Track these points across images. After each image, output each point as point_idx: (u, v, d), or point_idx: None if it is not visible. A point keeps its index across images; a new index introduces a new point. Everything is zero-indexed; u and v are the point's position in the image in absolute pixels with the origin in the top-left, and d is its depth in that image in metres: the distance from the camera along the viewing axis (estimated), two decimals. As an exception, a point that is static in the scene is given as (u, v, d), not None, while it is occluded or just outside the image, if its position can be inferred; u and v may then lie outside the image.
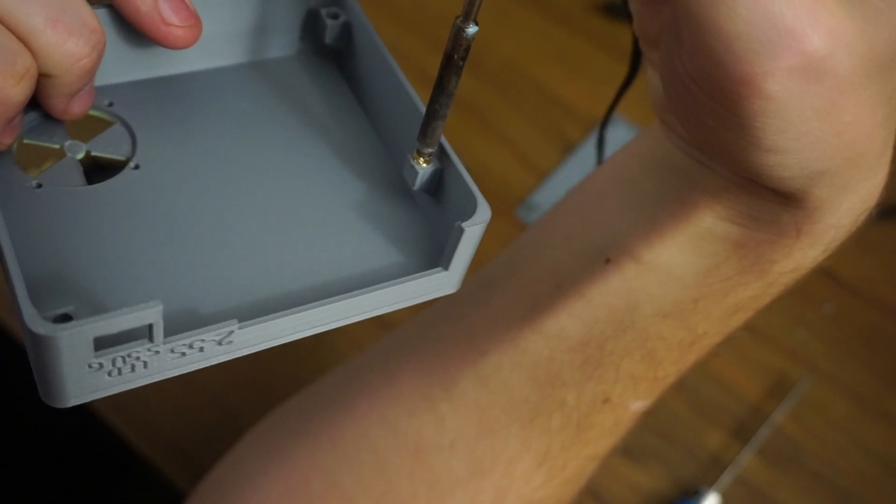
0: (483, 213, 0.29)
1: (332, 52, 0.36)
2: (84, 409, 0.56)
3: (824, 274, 0.67)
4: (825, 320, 0.65)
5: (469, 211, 0.29)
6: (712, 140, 0.27)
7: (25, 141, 0.30)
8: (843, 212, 0.30)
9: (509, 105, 0.74)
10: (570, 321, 0.35)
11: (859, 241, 0.73)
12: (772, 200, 0.30)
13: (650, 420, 0.59)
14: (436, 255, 0.31)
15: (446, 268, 0.30)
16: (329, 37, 0.35)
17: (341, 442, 0.38)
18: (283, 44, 0.36)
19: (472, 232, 0.29)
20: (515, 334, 0.35)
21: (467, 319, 0.37)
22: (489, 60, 0.77)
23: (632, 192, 0.34)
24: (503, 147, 0.71)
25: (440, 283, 0.30)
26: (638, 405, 0.36)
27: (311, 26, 0.36)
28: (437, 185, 0.31)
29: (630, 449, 0.58)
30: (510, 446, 0.36)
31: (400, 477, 0.37)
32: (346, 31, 0.35)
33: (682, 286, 0.33)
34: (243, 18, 0.34)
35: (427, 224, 0.32)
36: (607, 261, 0.34)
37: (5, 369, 0.64)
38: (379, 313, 0.30)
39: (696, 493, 0.56)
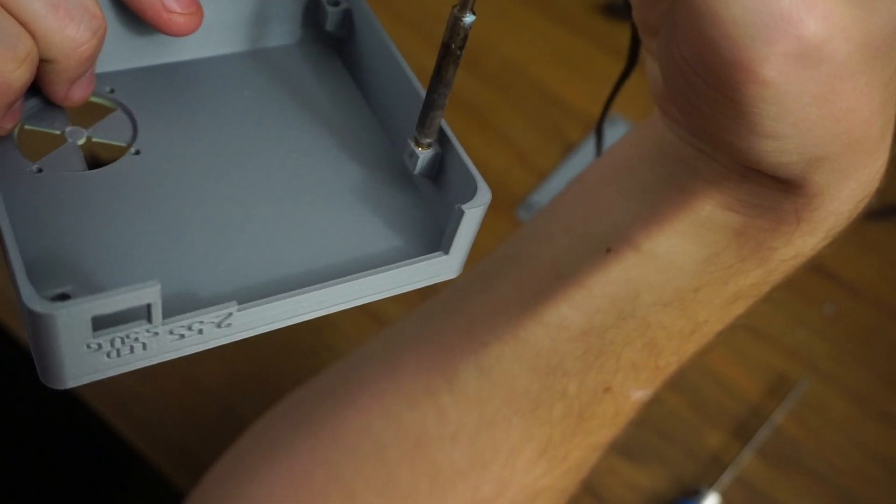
0: (483, 195, 0.29)
1: (332, 40, 0.36)
2: (84, 409, 0.56)
3: (824, 274, 0.67)
4: (825, 320, 0.65)
5: (469, 194, 0.29)
6: (711, 127, 0.27)
7: (26, 127, 0.31)
8: (842, 198, 0.30)
9: (509, 105, 0.74)
10: (570, 311, 0.35)
11: (859, 241, 0.73)
12: (771, 188, 0.30)
13: (650, 420, 0.59)
14: (437, 240, 0.31)
15: (447, 252, 0.30)
16: (330, 24, 0.35)
17: (343, 435, 0.38)
18: (284, 32, 0.36)
19: (473, 214, 0.29)
20: (516, 325, 0.35)
21: (468, 310, 0.37)
22: (489, 60, 0.77)
23: (631, 182, 0.34)
24: (503, 147, 0.71)
25: (440, 268, 0.30)
26: (639, 395, 0.36)
27: (311, 14, 0.36)
28: (438, 169, 0.31)
29: (630, 449, 0.58)
30: (511, 437, 0.36)
31: (402, 469, 0.37)
32: (347, 19, 0.35)
33: (683, 275, 0.33)
34: (244, 6, 0.34)
35: (428, 209, 0.32)
36: (608, 250, 0.34)
37: (4, 369, 0.64)
38: (379, 297, 0.30)
39: (696, 493, 0.56)
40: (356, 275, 0.28)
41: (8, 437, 0.66)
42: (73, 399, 0.56)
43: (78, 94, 0.30)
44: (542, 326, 0.35)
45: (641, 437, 0.59)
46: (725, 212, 0.32)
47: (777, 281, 0.34)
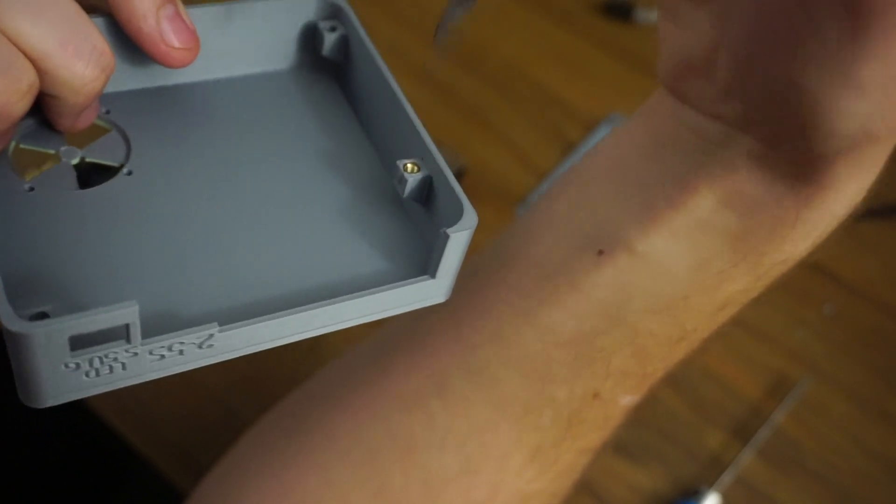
0: (469, 219, 0.29)
1: (329, 65, 0.36)
2: (84, 410, 0.56)
3: (824, 274, 0.67)
4: (825, 320, 0.65)
5: (455, 217, 0.29)
6: (787, 81, 0.27)
7: (21, 146, 0.31)
8: (844, 198, 0.30)
9: (509, 105, 0.74)
10: (562, 315, 0.34)
11: (859, 241, 0.73)
12: (781, 176, 0.30)
13: (650, 420, 0.59)
14: (426, 264, 0.31)
15: (433, 276, 0.30)
16: (326, 49, 0.35)
17: (335, 438, 0.38)
18: (280, 57, 0.36)
19: (458, 238, 0.29)
20: (505, 327, 0.35)
21: (456, 311, 0.37)
22: (489, 60, 0.77)
23: (625, 178, 0.34)
24: (503, 147, 0.71)
25: (427, 292, 0.31)
26: (627, 400, 0.36)
27: (309, 39, 0.36)
28: (427, 193, 0.31)
29: (630, 449, 0.58)
30: (501, 443, 0.36)
31: (393, 474, 0.37)
32: (344, 44, 0.35)
33: (675, 281, 0.33)
34: (242, 31, 0.35)
35: (418, 233, 0.32)
36: (600, 252, 0.34)
37: (3, 370, 0.63)
38: (365, 321, 0.30)
39: (696, 493, 0.56)
40: (341, 297, 0.28)
41: (8, 437, 0.66)
42: (73, 400, 0.56)
43: (82, 122, 0.31)
44: (532, 329, 0.35)
45: (641, 437, 0.59)
46: (724, 210, 0.32)
47: (763, 287, 0.34)
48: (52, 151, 0.31)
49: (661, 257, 0.33)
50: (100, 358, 0.25)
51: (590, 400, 0.35)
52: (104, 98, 0.33)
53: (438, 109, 0.71)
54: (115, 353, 0.25)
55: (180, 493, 0.52)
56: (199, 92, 0.35)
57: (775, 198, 0.31)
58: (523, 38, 0.79)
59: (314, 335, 0.29)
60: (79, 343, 0.24)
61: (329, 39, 0.35)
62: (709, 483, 0.57)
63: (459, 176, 0.65)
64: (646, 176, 0.33)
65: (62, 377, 0.25)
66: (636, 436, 0.59)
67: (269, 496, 0.38)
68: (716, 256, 0.32)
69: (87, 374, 0.25)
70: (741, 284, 0.33)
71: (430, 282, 0.30)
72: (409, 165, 0.31)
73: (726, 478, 0.57)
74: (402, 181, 0.31)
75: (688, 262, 0.33)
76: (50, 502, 0.68)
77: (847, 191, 0.30)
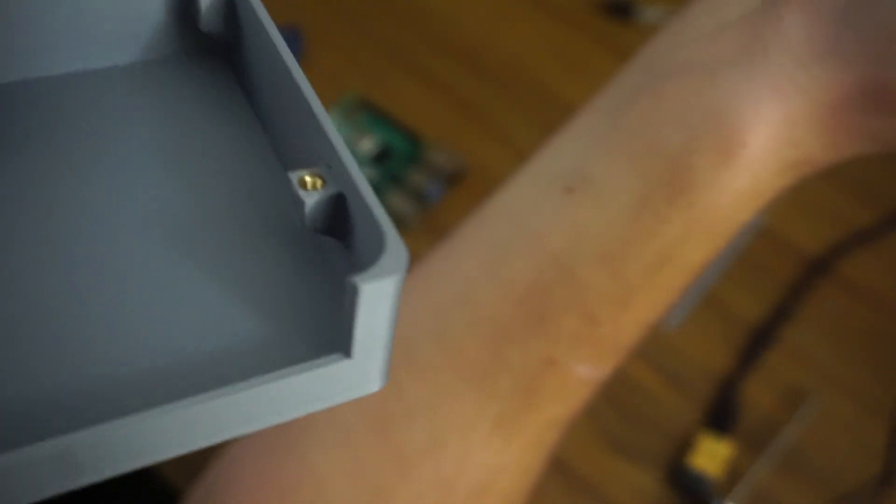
0: (394, 259, 0.18)
1: (215, 45, 0.26)
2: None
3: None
4: (826, 320, 0.65)
5: (373, 256, 0.19)
6: None
7: None
8: (796, 152, 0.29)
9: (509, 104, 0.74)
10: (520, 266, 0.33)
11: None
12: (753, 98, 0.29)
13: (654, 421, 0.59)
14: (337, 335, 0.20)
15: (347, 353, 0.19)
16: (206, 22, 0.25)
17: (312, 420, 0.37)
18: (147, 43, 0.26)
19: (376, 291, 0.18)
20: (472, 286, 0.34)
21: (430, 276, 0.36)
22: (489, 59, 0.76)
23: (599, 103, 0.32)
24: (503, 147, 0.71)
25: (344, 378, 0.19)
26: (583, 370, 0.35)
27: (183, 13, 0.25)
28: (339, 219, 0.21)
29: (631, 449, 0.58)
30: (466, 411, 0.35)
31: (368, 453, 0.36)
32: (229, 12, 0.25)
33: (617, 219, 0.32)
34: (90, 13, 0.25)
35: (331, 284, 0.21)
36: (567, 189, 0.32)
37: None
38: (233, 435, 0.19)
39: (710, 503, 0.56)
40: (168, 406, 0.17)
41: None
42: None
43: None
44: (493, 285, 0.34)
45: (643, 437, 0.59)
46: (672, 126, 0.30)
47: (696, 246, 0.33)
48: None
49: (612, 190, 0.32)
50: None
51: (545, 366, 0.34)
52: None
53: (438, 109, 0.71)
54: None
55: (180, 493, 0.52)
56: (32, 92, 0.24)
57: (729, 119, 0.30)
58: (523, 38, 0.78)
59: (123, 472, 0.18)
60: None
61: (208, 8, 0.24)
62: (723, 494, 0.56)
63: (460, 176, 0.65)
64: (627, 89, 0.32)
65: None
66: (637, 436, 0.59)
67: (247, 487, 0.37)
68: (655, 189, 0.31)
69: None
70: (674, 230, 0.32)
71: (345, 363, 0.19)
72: (309, 178, 0.20)
73: (741, 489, 0.57)
74: (299, 202, 0.20)
75: (632, 196, 0.31)
76: (48, 502, 0.68)
77: (808, 145, 0.29)
